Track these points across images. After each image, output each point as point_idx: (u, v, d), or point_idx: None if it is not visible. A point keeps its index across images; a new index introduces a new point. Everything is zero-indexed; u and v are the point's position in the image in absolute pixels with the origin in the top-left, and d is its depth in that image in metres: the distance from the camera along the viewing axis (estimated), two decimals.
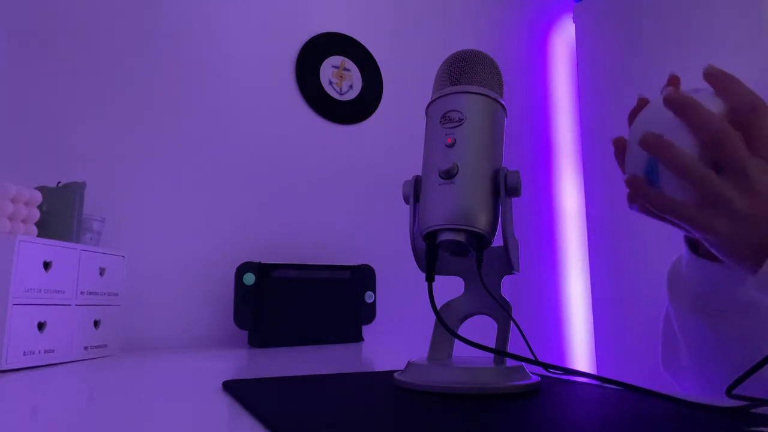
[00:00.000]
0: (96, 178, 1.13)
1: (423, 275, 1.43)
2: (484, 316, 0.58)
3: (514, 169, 1.12)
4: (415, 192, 0.54)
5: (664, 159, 0.42)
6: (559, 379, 0.57)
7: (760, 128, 0.40)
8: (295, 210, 1.32)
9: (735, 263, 0.42)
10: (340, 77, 1.42)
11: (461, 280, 0.59)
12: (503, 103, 0.55)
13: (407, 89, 1.51)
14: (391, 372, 0.62)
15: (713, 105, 0.41)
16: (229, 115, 1.28)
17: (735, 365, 0.50)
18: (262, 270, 1.10)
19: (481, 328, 1.06)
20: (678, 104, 0.41)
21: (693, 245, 0.51)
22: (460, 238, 0.49)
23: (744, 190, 0.39)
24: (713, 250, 0.43)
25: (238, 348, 1.07)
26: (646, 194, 0.44)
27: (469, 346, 0.49)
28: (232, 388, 0.52)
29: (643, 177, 0.44)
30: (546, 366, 0.51)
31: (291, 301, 1.12)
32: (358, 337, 1.17)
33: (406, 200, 0.55)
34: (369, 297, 1.21)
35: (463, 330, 0.58)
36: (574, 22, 1.76)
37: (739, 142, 0.39)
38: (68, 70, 1.14)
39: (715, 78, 0.42)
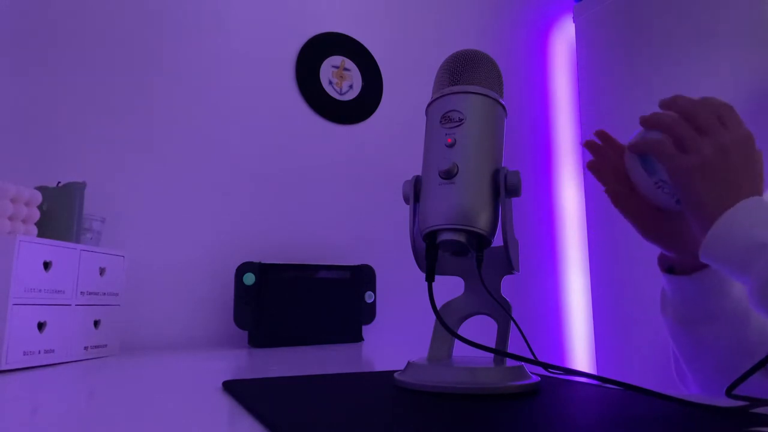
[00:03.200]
0: (96, 178, 1.13)
1: (423, 275, 1.43)
2: (484, 316, 0.58)
3: (514, 169, 1.12)
4: (415, 192, 0.54)
5: (647, 144, 0.53)
6: (559, 379, 0.57)
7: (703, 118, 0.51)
8: (295, 210, 1.32)
9: (695, 213, 0.49)
10: (340, 77, 1.42)
11: (461, 280, 0.59)
12: (503, 103, 0.55)
13: (407, 89, 1.51)
14: (391, 372, 0.62)
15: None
16: (229, 115, 1.28)
17: (718, 366, 0.59)
18: (262, 270, 1.10)
19: (481, 328, 1.06)
20: (644, 118, 0.54)
21: (669, 269, 0.60)
22: (461, 238, 0.49)
23: (709, 144, 0.49)
24: (683, 197, 0.50)
25: (238, 348, 1.07)
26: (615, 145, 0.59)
27: (469, 346, 0.49)
28: (232, 388, 0.52)
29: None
30: (546, 366, 0.51)
31: (291, 301, 1.12)
32: (358, 337, 1.17)
33: (406, 200, 0.55)
34: (369, 297, 1.21)
35: (463, 330, 0.58)
36: (574, 22, 1.76)
37: (685, 125, 0.51)
38: (68, 71, 1.14)
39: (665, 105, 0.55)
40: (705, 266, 0.56)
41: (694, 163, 0.49)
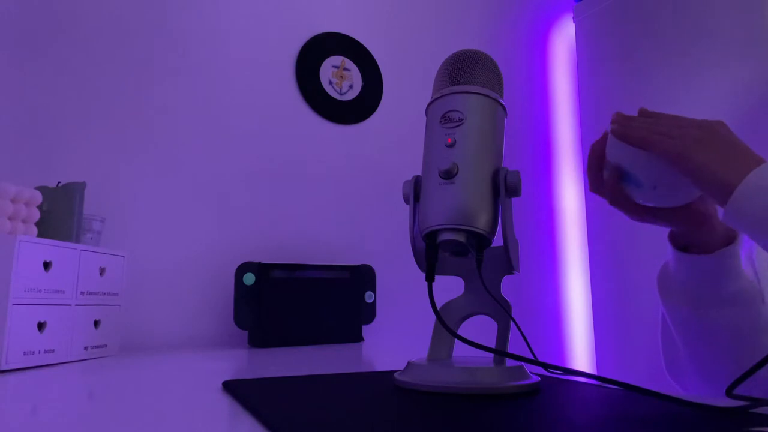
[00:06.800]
0: (96, 178, 1.13)
1: (423, 275, 1.43)
2: (484, 316, 0.58)
3: (514, 169, 1.12)
4: (415, 192, 0.54)
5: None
6: (559, 379, 0.57)
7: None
8: (295, 210, 1.32)
9: (710, 186, 0.47)
10: (340, 77, 1.42)
11: (461, 280, 0.59)
12: (503, 103, 0.55)
13: (407, 89, 1.51)
14: (391, 372, 0.62)
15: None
16: (229, 115, 1.28)
17: (723, 353, 0.56)
18: (262, 270, 1.10)
19: (481, 328, 1.06)
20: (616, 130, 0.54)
21: (680, 247, 0.57)
22: (460, 238, 0.49)
23: (691, 126, 0.50)
24: (693, 176, 0.48)
25: (238, 348, 1.07)
26: (627, 123, 0.52)
27: (469, 346, 0.49)
28: (232, 388, 0.52)
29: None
30: (546, 366, 0.51)
31: (291, 301, 1.12)
32: (358, 337, 1.17)
33: (406, 200, 0.55)
34: (369, 297, 1.21)
35: (463, 330, 0.58)
36: (574, 22, 1.76)
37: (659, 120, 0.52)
38: (68, 71, 1.14)
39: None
40: (720, 246, 0.54)
41: (694, 137, 0.48)
